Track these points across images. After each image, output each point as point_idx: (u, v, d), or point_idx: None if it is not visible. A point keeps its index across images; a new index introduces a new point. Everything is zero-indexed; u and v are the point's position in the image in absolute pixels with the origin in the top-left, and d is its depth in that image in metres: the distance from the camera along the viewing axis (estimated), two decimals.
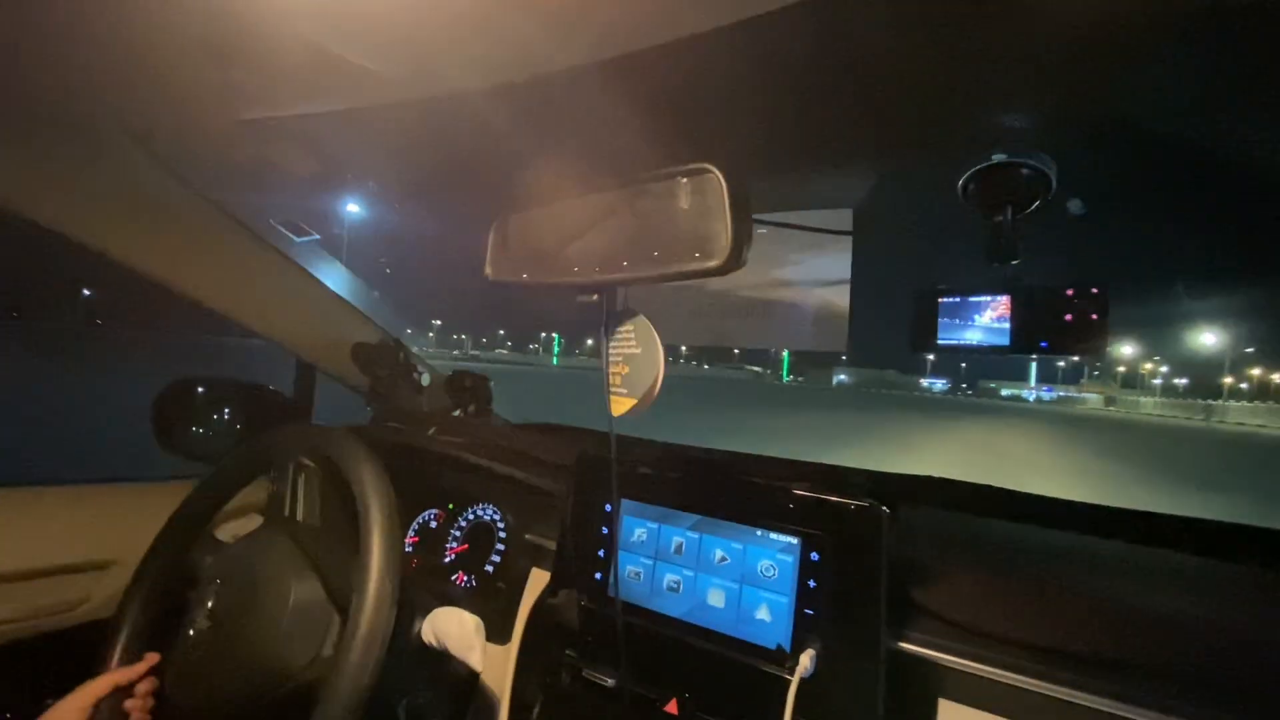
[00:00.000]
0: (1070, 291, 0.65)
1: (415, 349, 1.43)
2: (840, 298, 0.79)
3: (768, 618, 0.71)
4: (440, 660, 0.89)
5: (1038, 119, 0.62)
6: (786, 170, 0.75)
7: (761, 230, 0.82)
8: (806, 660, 0.65)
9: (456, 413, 1.39)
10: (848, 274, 0.78)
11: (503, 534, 1.06)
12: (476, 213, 0.80)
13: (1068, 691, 0.59)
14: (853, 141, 0.69)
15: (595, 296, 0.63)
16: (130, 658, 0.81)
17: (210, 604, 0.79)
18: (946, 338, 0.72)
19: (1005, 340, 0.69)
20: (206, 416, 1.41)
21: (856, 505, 0.69)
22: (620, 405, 0.66)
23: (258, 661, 0.74)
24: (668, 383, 0.61)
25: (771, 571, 0.72)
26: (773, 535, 0.73)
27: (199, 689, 0.76)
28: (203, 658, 0.77)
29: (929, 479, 1.09)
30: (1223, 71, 0.56)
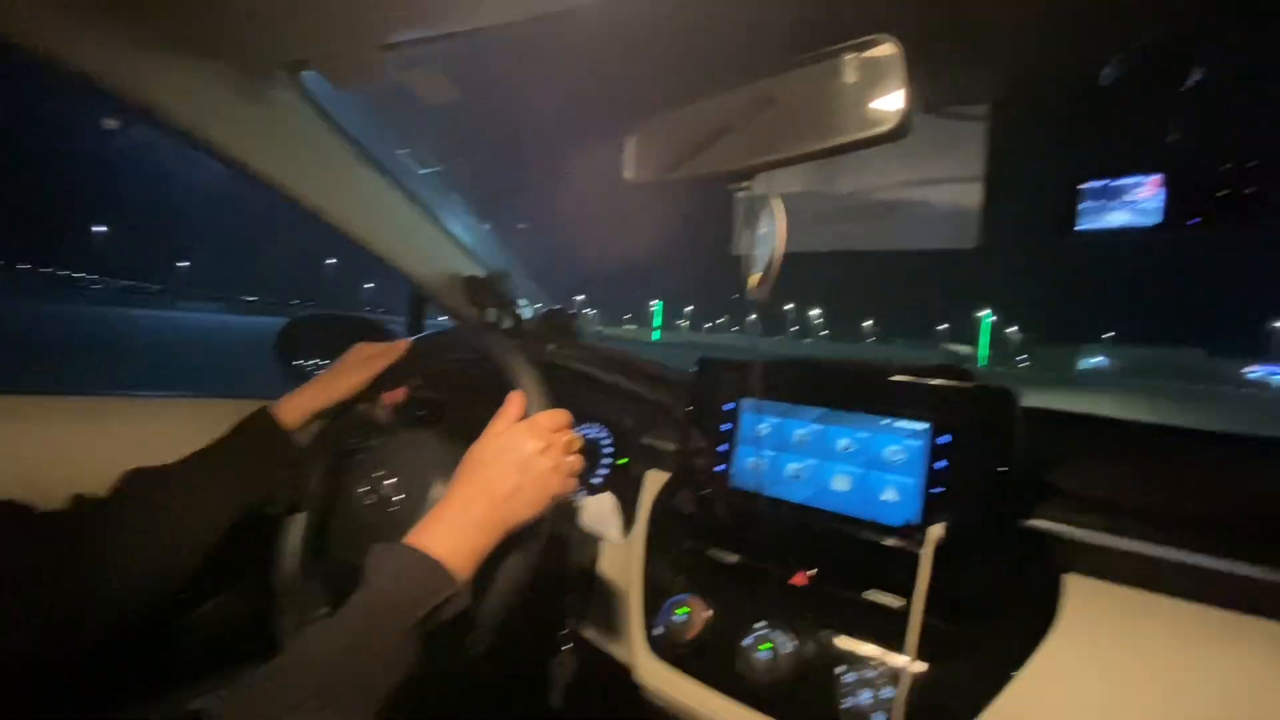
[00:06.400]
0: (1229, 166, 0.64)
1: None
2: (971, 196, 0.79)
3: (895, 498, 0.74)
4: (563, 550, 0.96)
5: None
6: (924, 59, 0.75)
7: None
8: (940, 530, 0.67)
9: (550, 348, 1.46)
10: (979, 170, 0.78)
11: (610, 448, 1.12)
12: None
13: (1188, 555, 0.61)
14: (996, 25, 0.69)
15: (747, 183, 0.66)
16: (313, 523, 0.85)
17: (377, 482, 0.80)
18: (1088, 223, 0.72)
19: (1158, 219, 0.68)
20: (329, 346, 1.53)
21: (989, 387, 0.71)
22: (751, 280, 0.69)
23: None
24: None
25: (899, 455, 0.74)
26: (899, 423, 0.75)
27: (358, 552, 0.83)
28: (369, 526, 0.79)
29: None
30: None
